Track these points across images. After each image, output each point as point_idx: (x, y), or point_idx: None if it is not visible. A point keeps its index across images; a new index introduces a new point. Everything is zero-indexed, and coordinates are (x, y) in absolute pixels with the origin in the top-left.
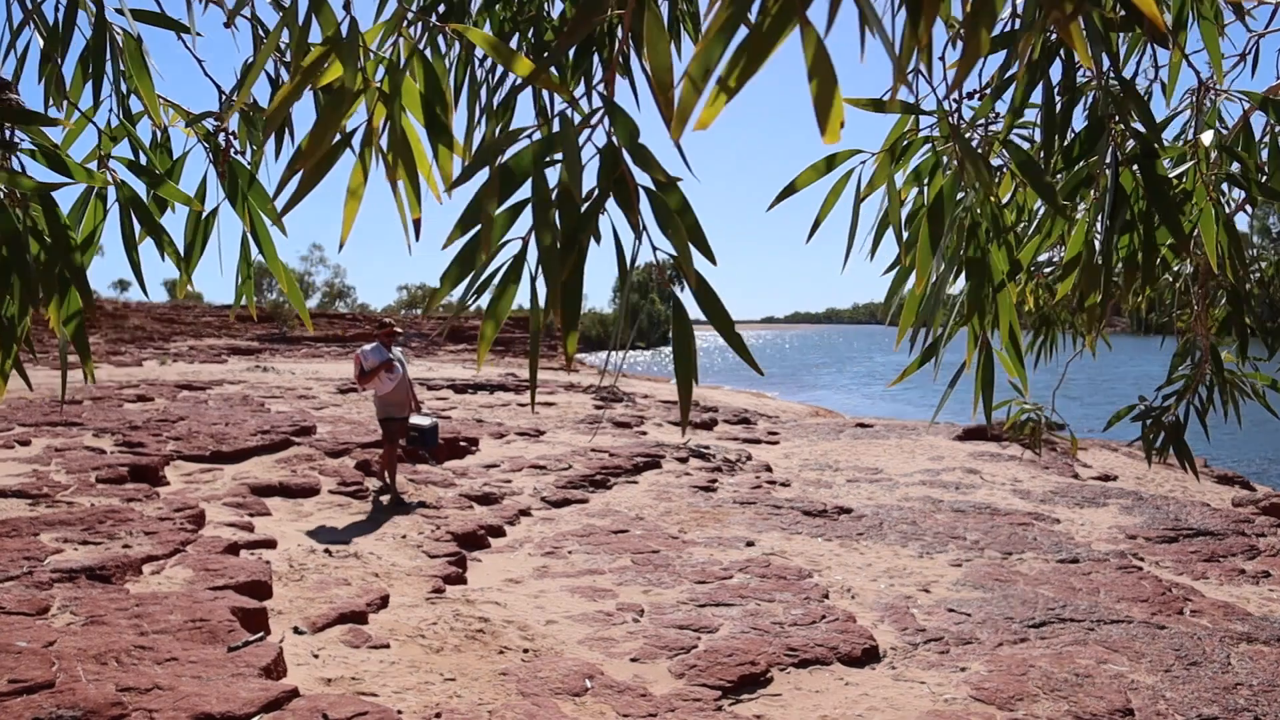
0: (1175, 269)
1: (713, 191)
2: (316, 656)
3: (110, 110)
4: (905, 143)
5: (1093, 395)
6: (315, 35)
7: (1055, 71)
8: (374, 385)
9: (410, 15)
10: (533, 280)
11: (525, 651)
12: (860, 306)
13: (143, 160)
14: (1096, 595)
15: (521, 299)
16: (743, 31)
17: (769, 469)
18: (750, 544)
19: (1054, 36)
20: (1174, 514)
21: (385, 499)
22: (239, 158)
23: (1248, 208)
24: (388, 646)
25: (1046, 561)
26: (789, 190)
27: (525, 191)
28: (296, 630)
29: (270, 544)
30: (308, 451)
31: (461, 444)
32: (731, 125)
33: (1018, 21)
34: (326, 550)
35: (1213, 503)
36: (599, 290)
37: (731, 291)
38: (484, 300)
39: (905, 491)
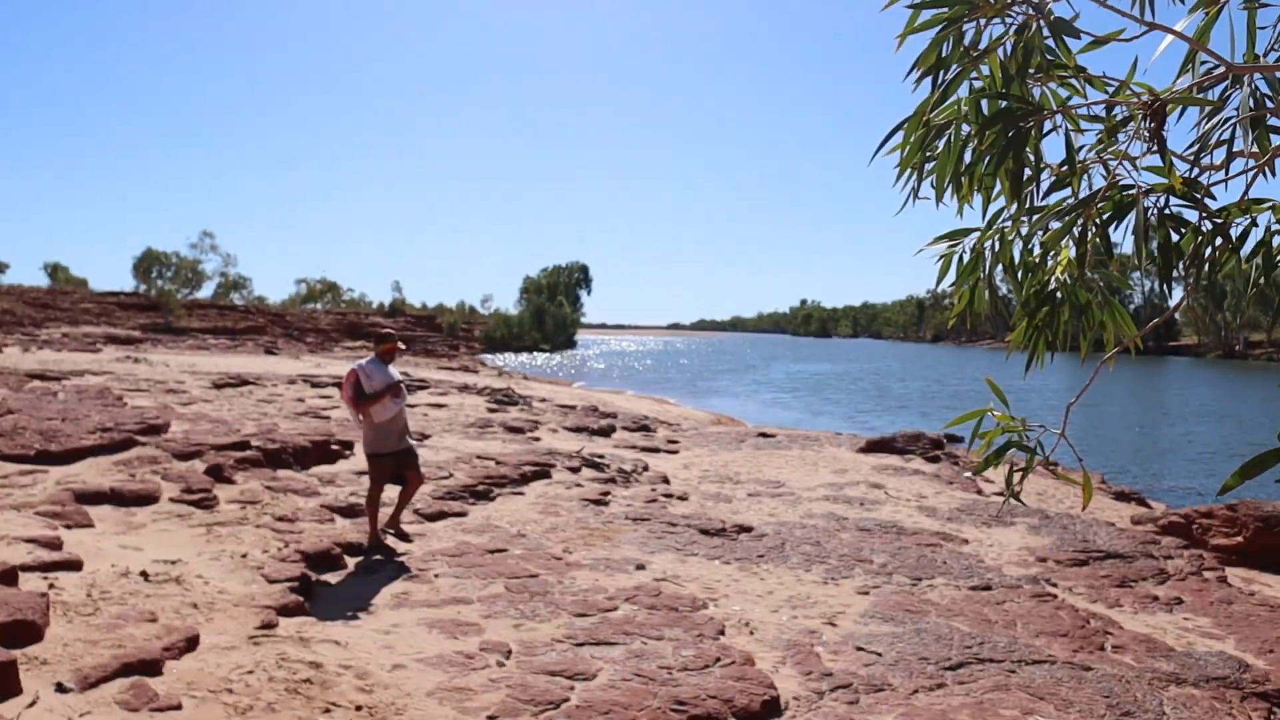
0: None
1: (625, 199)
2: None
3: None
4: None
5: (1022, 412)
6: None
7: None
8: (374, 410)
9: None
10: None
11: (358, 709)
12: (765, 315)
13: None
14: (1014, 629)
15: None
16: None
17: (666, 480)
18: (640, 567)
19: None
20: (1081, 534)
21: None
22: None
23: None
24: (178, 708)
25: (958, 588)
26: None
27: None
28: (60, 688)
29: (73, 565)
30: (153, 453)
31: (333, 447)
32: (648, 131)
33: None
34: (143, 574)
35: (1114, 520)
36: (506, 291)
37: (639, 298)
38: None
39: (808, 507)
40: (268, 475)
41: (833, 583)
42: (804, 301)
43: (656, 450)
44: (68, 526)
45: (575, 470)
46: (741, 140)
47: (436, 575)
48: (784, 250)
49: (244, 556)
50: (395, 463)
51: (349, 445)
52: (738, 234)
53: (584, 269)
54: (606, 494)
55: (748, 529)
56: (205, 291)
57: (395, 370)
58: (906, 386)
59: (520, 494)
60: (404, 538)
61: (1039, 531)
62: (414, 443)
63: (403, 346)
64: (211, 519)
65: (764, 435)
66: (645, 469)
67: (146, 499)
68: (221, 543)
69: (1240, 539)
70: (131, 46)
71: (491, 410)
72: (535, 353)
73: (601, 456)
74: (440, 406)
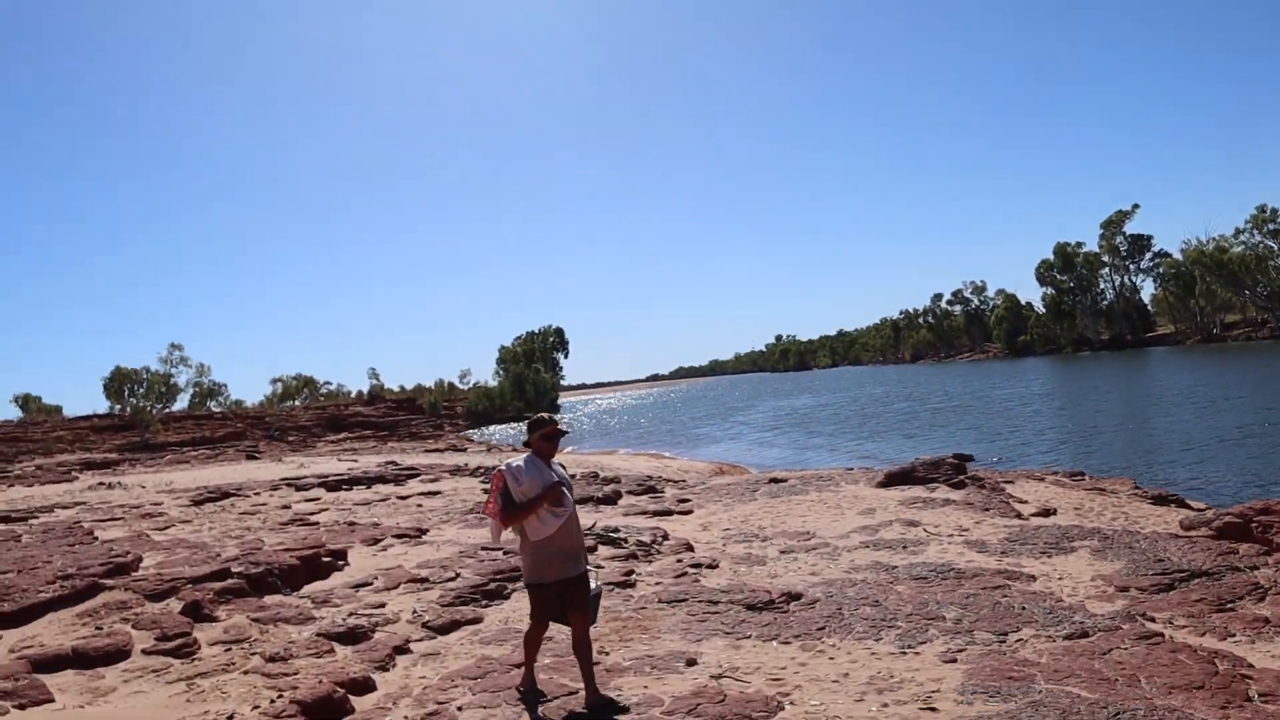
0: None
1: (592, 255)
2: None
3: None
4: None
5: (989, 422)
6: None
7: None
8: (527, 525)
9: None
10: None
11: None
12: (742, 355)
13: None
14: (1138, 685)
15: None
16: None
17: (690, 548)
18: (692, 662)
19: None
20: (1151, 553)
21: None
22: None
23: None
24: None
25: (1051, 639)
26: None
27: None
28: None
29: None
30: (123, 596)
31: (324, 560)
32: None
33: None
34: None
35: (1166, 528)
36: (483, 363)
37: (617, 353)
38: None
39: (850, 559)
40: (254, 605)
41: (911, 652)
42: (780, 337)
43: (669, 513)
44: (20, 707)
45: (591, 550)
46: (705, 180)
47: (460, 709)
48: (756, 288)
49: (230, 719)
50: (560, 595)
51: (341, 555)
52: (708, 277)
53: (559, 332)
54: (630, 573)
55: (796, 596)
56: (181, 403)
57: (557, 465)
58: (891, 409)
59: None
60: (615, 708)
61: (1105, 555)
62: (590, 569)
63: (566, 429)
64: (192, 669)
65: (776, 481)
66: (665, 538)
67: (115, 655)
68: (205, 701)
69: None
70: (73, 162)
71: (488, 492)
72: (520, 422)
73: (616, 530)
74: (434, 494)
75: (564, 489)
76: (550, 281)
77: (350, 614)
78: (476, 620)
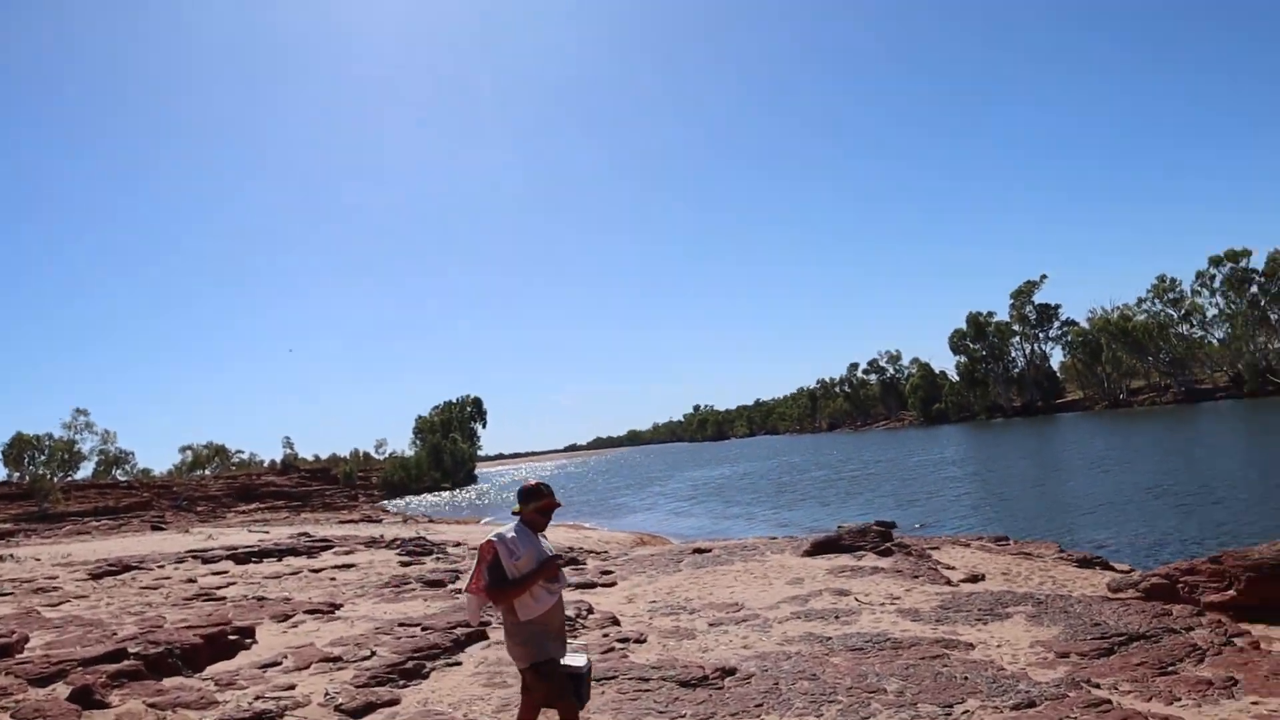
0: None
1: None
2: None
3: None
4: None
5: (907, 489)
6: None
7: None
8: (519, 604)
9: None
10: None
11: None
12: (660, 426)
13: None
14: None
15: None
16: None
17: (616, 621)
18: None
19: None
20: (1087, 617)
21: None
22: None
23: None
24: None
25: (999, 710)
26: None
27: None
28: None
29: None
30: (2, 682)
31: (230, 638)
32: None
33: None
34: None
35: (1090, 591)
36: (400, 433)
37: (535, 425)
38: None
39: (782, 630)
40: (151, 688)
41: None
42: (698, 407)
43: (593, 585)
44: None
45: None
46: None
47: None
48: (674, 360)
49: None
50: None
51: (249, 632)
52: (628, 347)
53: (477, 402)
54: None
55: (730, 671)
56: (85, 471)
57: (546, 541)
58: (808, 477)
59: (457, 664)
60: None
61: (1040, 620)
62: (573, 657)
63: (559, 503)
64: None
65: (700, 551)
66: (590, 611)
67: None
68: None
69: (1234, 592)
70: None
71: (405, 564)
72: (437, 492)
73: None
74: (348, 567)
75: (559, 565)
76: (468, 351)
77: (257, 697)
78: (393, 702)
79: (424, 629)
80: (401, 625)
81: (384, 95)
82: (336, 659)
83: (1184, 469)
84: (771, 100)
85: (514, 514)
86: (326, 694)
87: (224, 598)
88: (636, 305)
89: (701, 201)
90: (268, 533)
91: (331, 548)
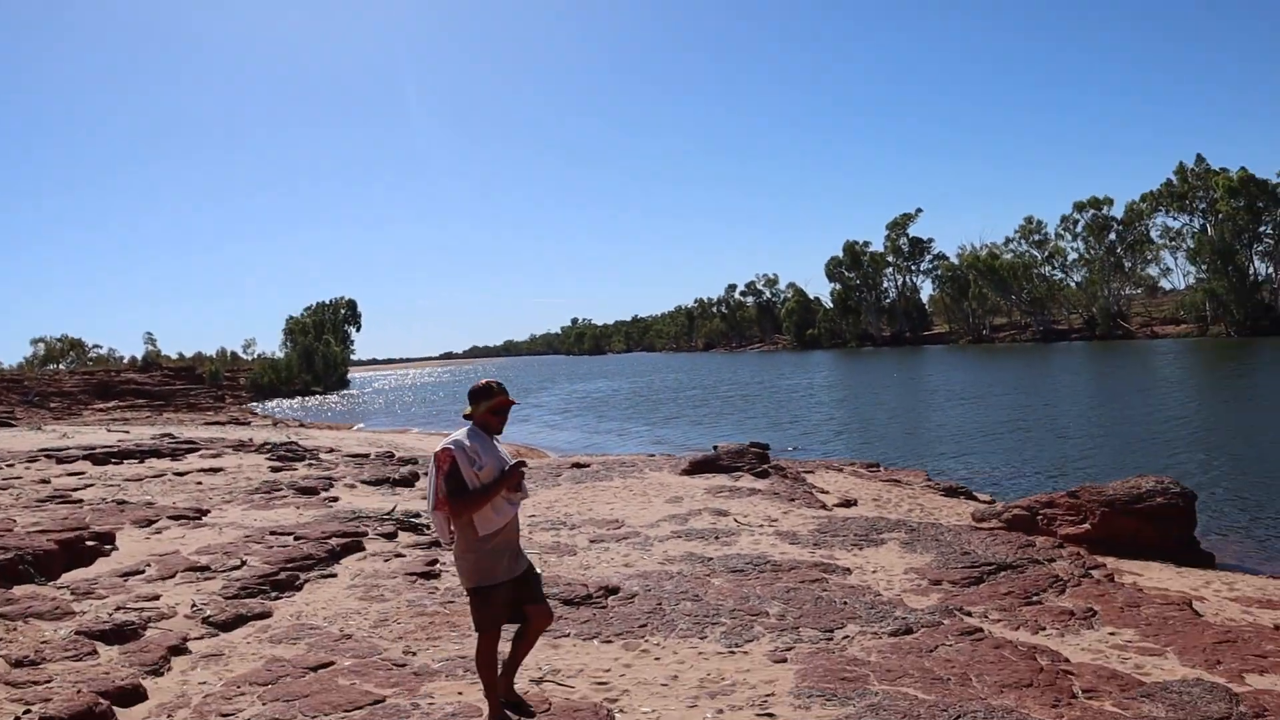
0: None
1: (390, 233)
2: None
3: None
4: None
5: (779, 411)
6: None
7: None
8: (478, 520)
9: None
10: None
11: None
12: (537, 338)
13: None
14: (970, 684)
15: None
16: None
17: None
18: None
19: None
20: (957, 546)
21: None
22: None
23: None
24: None
25: (877, 636)
26: None
27: None
28: None
29: None
30: None
31: (88, 543)
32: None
33: None
34: None
35: (955, 520)
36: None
37: (411, 331)
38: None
39: (664, 550)
40: (0, 596)
41: (739, 651)
42: (575, 320)
43: None
44: None
45: (390, 536)
46: (503, 158)
47: None
48: (554, 273)
49: None
50: (512, 595)
51: (108, 538)
52: (505, 257)
53: (351, 304)
54: (434, 562)
55: (613, 590)
56: None
57: (502, 447)
58: (684, 396)
59: (332, 575)
60: (524, 710)
61: (914, 548)
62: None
63: (514, 401)
64: None
65: (578, 466)
66: None
67: None
68: None
69: (1088, 525)
70: None
71: (276, 469)
72: (308, 396)
73: (417, 515)
74: (215, 471)
75: (522, 472)
76: (343, 253)
77: (117, 608)
78: (265, 615)
79: (297, 538)
80: (273, 534)
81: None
82: (204, 568)
83: (1037, 405)
84: (665, 15)
85: (465, 417)
86: (193, 605)
87: (81, 500)
88: (518, 214)
89: (587, 109)
90: (128, 432)
91: (197, 450)
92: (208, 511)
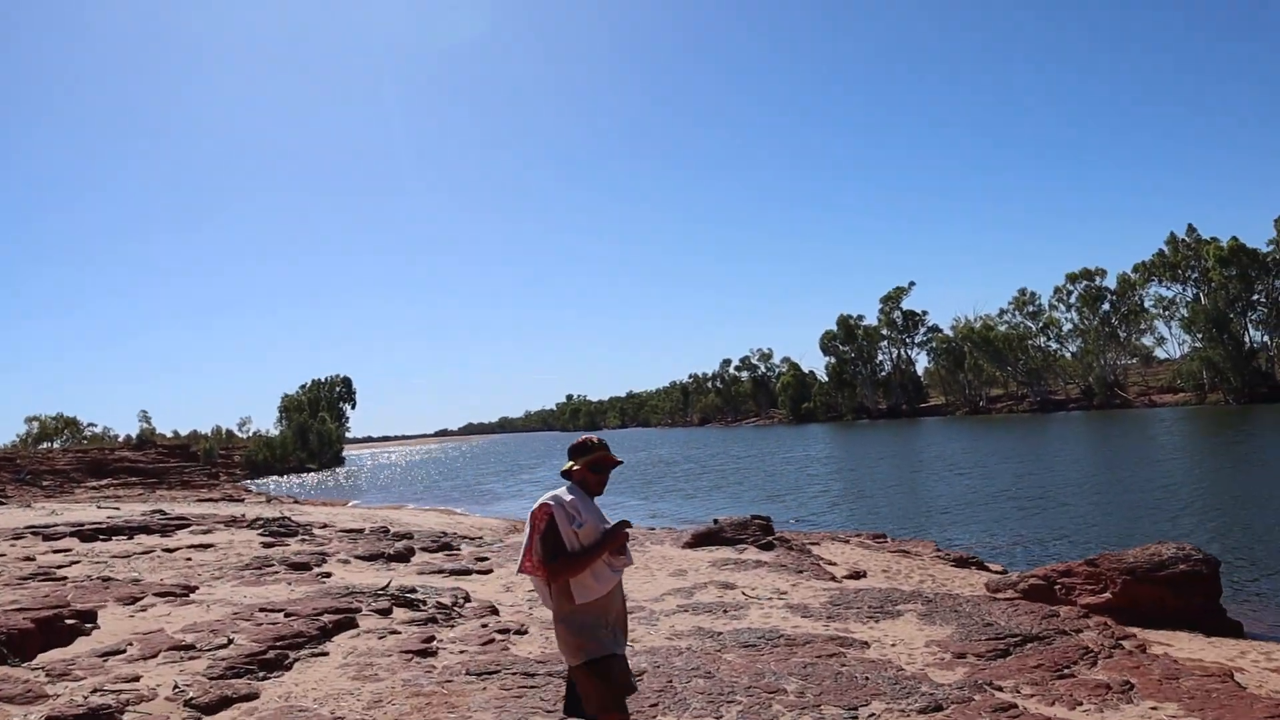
0: None
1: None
2: None
3: None
4: None
5: (775, 484)
6: None
7: None
8: (575, 583)
9: None
10: None
11: None
12: (532, 414)
13: None
14: None
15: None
16: None
17: (495, 611)
18: None
19: None
20: (977, 617)
21: None
22: None
23: None
24: None
25: (905, 714)
26: None
27: None
28: None
29: None
30: None
31: (68, 622)
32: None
33: None
34: None
35: (969, 590)
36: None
37: (406, 408)
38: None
39: (670, 624)
40: None
41: None
42: (570, 397)
43: (468, 572)
44: None
45: (385, 612)
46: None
47: None
48: (548, 348)
49: None
50: (622, 670)
51: (90, 616)
52: (498, 333)
53: (346, 381)
54: (431, 639)
55: None
56: None
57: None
58: (679, 469)
59: (324, 654)
60: None
61: (932, 619)
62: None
63: (619, 460)
64: None
65: None
66: (467, 599)
67: None
68: None
69: (1108, 595)
70: None
71: (267, 545)
72: (302, 473)
73: (413, 590)
74: (206, 547)
75: (627, 534)
76: (339, 330)
77: (94, 690)
78: (252, 696)
79: (287, 615)
80: (263, 610)
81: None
82: (189, 647)
83: (1038, 475)
84: (656, 91)
85: (562, 475)
86: (176, 686)
87: (65, 578)
88: (512, 291)
89: (579, 183)
90: (118, 509)
91: (188, 526)
92: (196, 588)
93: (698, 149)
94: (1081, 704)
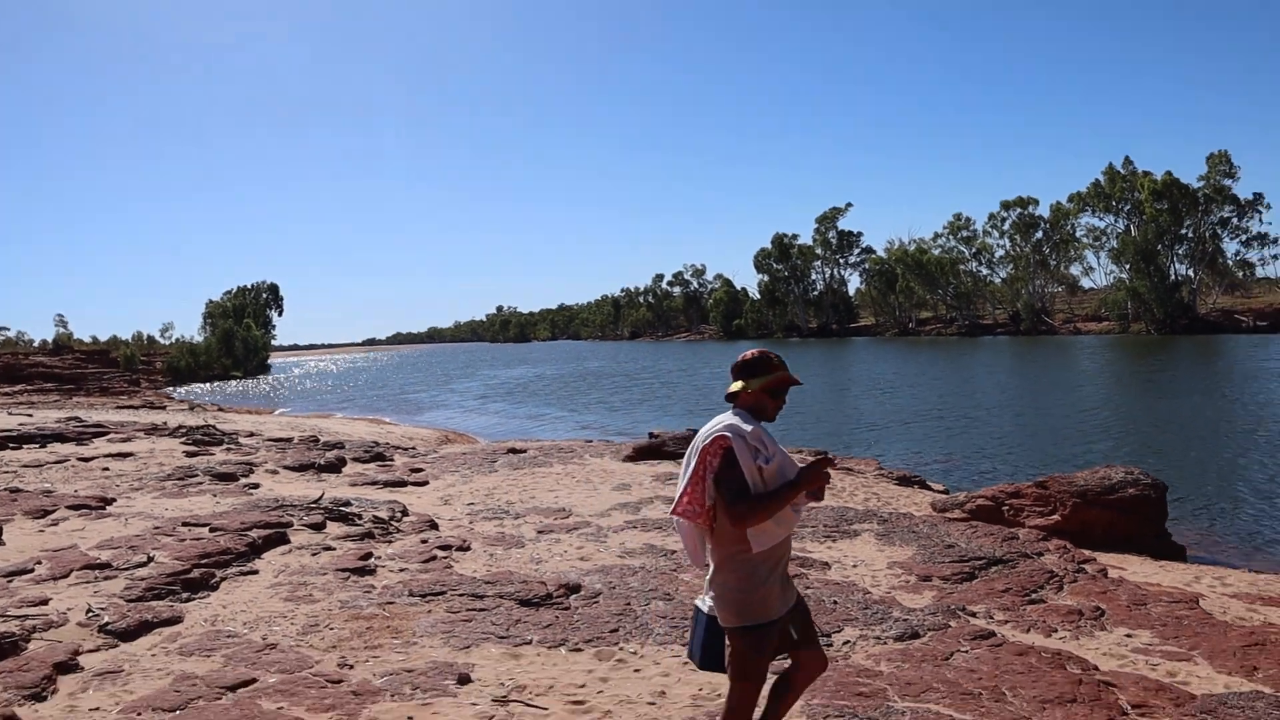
0: None
1: (314, 219)
2: None
3: None
4: None
5: (702, 398)
6: None
7: None
8: (755, 534)
9: None
10: None
11: None
12: (462, 324)
13: None
14: (1004, 699)
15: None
16: None
17: (434, 525)
18: (464, 679)
19: None
20: (936, 539)
21: None
22: None
23: None
24: None
25: (881, 641)
26: None
27: None
28: None
29: None
30: None
31: None
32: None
33: None
34: None
35: (915, 510)
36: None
37: (334, 317)
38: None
39: (620, 541)
40: None
41: None
42: (500, 308)
43: (403, 484)
44: None
45: (318, 527)
46: (433, 147)
47: None
48: (479, 260)
49: None
50: (779, 634)
51: None
52: (430, 244)
53: (273, 288)
54: (369, 556)
55: (574, 588)
56: None
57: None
58: (610, 383)
59: (253, 572)
60: None
61: (891, 540)
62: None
63: (799, 380)
64: None
65: (514, 451)
66: (404, 513)
67: None
68: None
69: (1058, 517)
70: None
71: (191, 454)
72: (227, 381)
73: (347, 504)
74: (125, 456)
75: (826, 472)
76: (267, 238)
77: None
78: (174, 620)
79: (213, 530)
80: (186, 524)
81: None
82: (104, 565)
83: (964, 396)
84: (594, 11)
85: (728, 398)
86: (89, 610)
87: None
88: (443, 201)
89: (515, 101)
90: (31, 415)
91: (106, 434)
92: (113, 500)
93: (636, 70)
94: (1056, 630)
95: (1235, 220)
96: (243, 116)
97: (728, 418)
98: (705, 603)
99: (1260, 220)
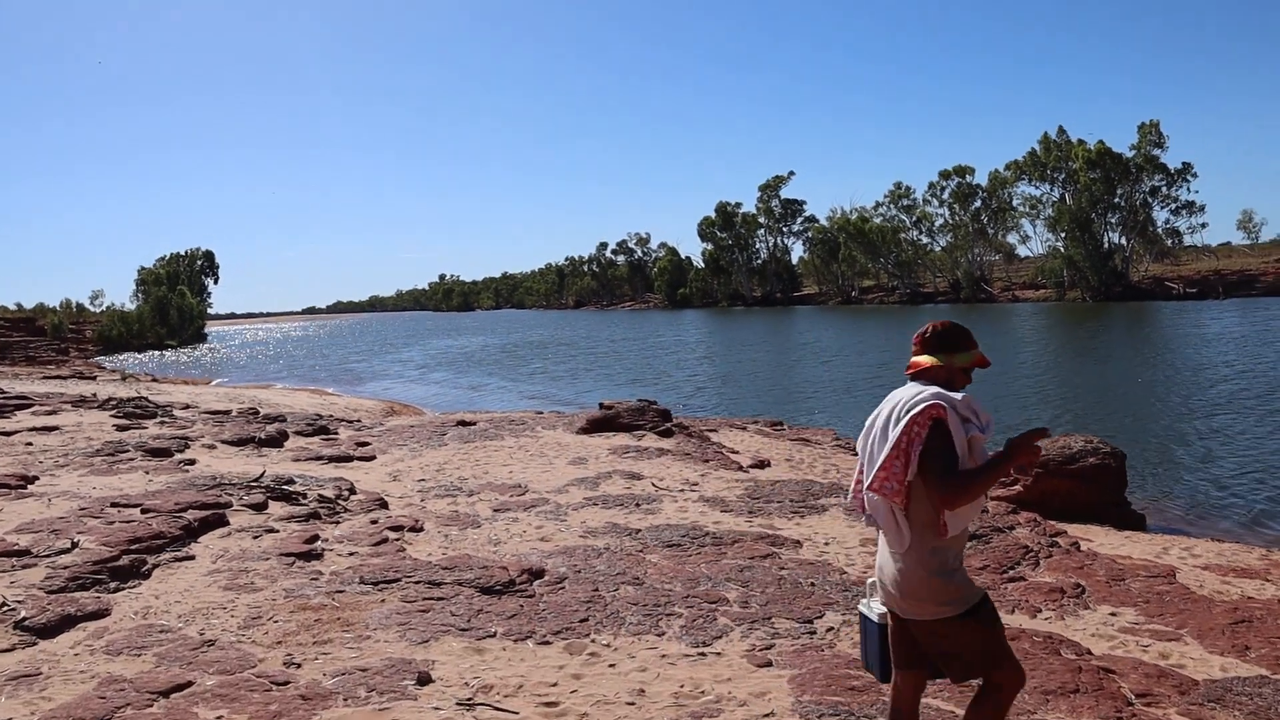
0: None
1: (251, 185)
2: None
3: None
4: None
5: (647, 368)
6: None
7: None
8: (952, 516)
9: None
10: None
11: None
12: (404, 293)
13: None
14: None
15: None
16: None
17: (384, 504)
18: (425, 679)
19: None
20: None
21: None
22: None
23: None
24: None
25: None
26: None
27: None
28: None
29: None
30: None
31: None
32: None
33: None
34: None
35: None
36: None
37: (273, 285)
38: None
39: (581, 520)
40: None
41: (710, 650)
42: (443, 276)
43: (349, 459)
44: None
45: (260, 507)
46: (372, 113)
47: None
48: (421, 228)
49: None
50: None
51: None
52: (372, 211)
53: (209, 255)
54: (315, 539)
55: (537, 573)
56: None
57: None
58: (555, 352)
59: (189, 558)
60: None
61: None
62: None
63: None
64: None
65: (464, 423)
66: (352, 491)
67: None
68: None
69: (1019, 488)
70: None
71: (122, 428)
72: (161, 350)
73: (290, 481)
74: (49, 430)
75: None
76: (202, 204)
77: None
78: (101, 614)
79: (145, 511)
80: (115, 505)
81: None
82: (23, 552)
83: (905, 363)
84: None
85: (912, 376)
86: (4, 603)
87: None
88: (383, 168)
89: (453, 65)
90: None
91: (30, 406)
92: (35, 478)
93: (580, 32)
94: (1041, 610)
95: (1165, 189)
96: (172, 77)
97: (922, 387)
98: (874, 609)
99: (1189, 189)
